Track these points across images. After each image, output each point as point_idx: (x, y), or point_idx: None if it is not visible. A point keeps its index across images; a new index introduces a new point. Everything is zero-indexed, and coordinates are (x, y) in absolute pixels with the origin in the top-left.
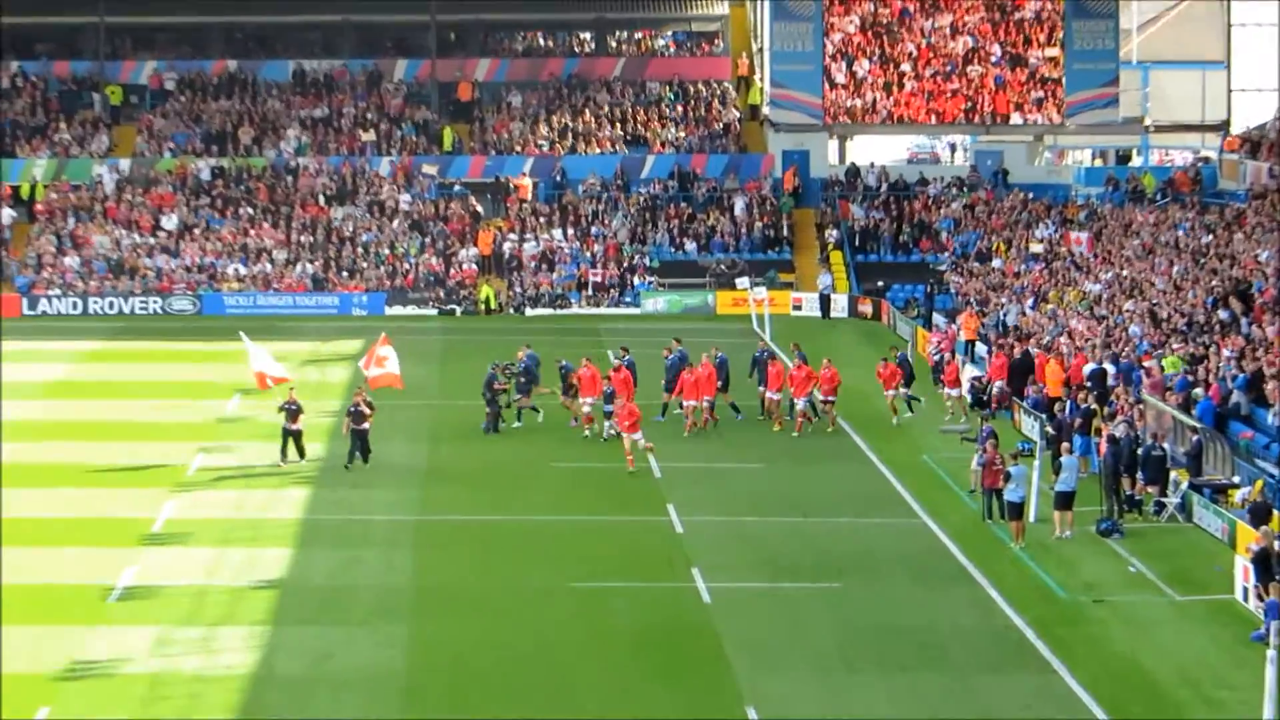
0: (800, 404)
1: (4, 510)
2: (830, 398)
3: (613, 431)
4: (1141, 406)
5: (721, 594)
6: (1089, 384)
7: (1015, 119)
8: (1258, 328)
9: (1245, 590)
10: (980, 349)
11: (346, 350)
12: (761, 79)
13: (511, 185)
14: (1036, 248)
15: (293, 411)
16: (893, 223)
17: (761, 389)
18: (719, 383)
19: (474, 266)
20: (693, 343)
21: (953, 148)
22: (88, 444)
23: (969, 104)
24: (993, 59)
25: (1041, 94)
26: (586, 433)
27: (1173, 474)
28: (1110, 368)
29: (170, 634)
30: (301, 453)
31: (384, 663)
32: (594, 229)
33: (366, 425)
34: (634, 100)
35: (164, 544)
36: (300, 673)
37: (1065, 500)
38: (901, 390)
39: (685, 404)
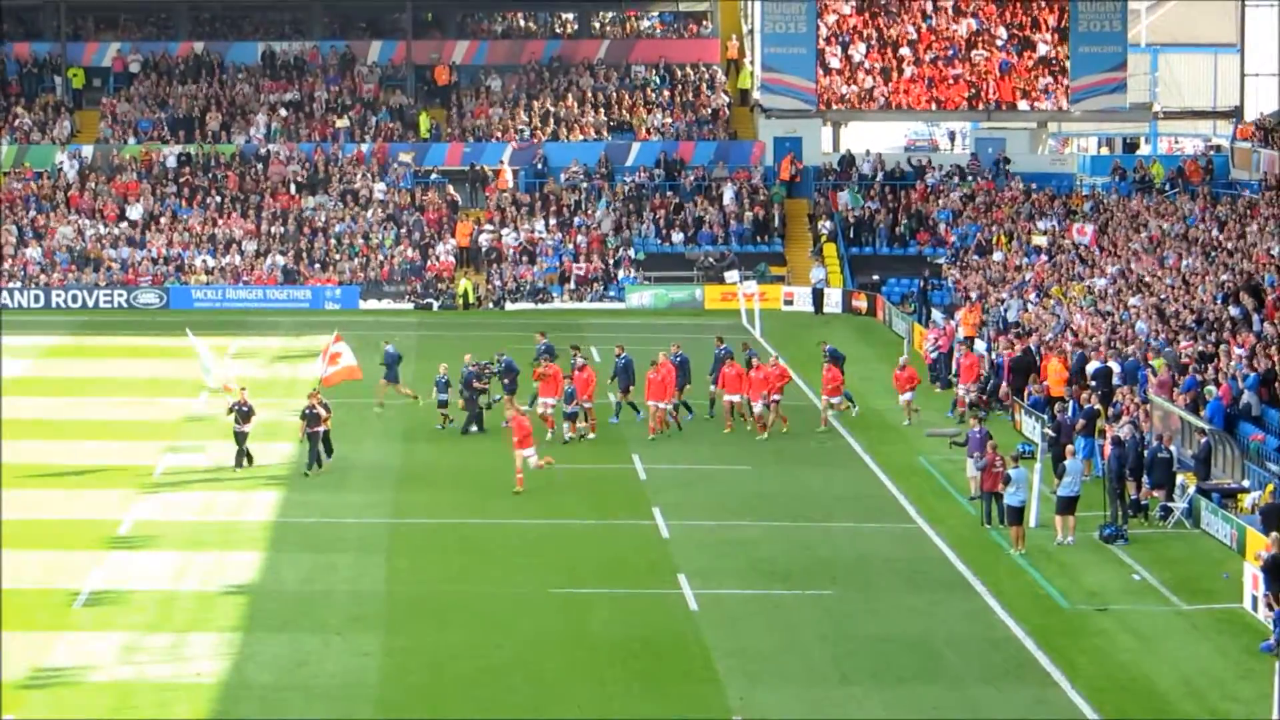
0: (757, 407)
1: None
2: (777, 396)
3: (571, 435)
4: (1148, 407)
5: (709, 601)
6: (1094, 383)
7: (1023, 106)
8: (1270, 325)
9: (1254, 599)
10: (980, 346)
11: (319, 346)
12: (752, 62)
13: (491, 174)
14: (1039, 240)
15: (244, 413)
16: (889, 214)
17: (714, 389)
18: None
19: (452, 259)
20: (680, 338)
21: (952, 136)
22: (51, 443)
23: (972, 90)
24: (998, 43)
25: (1048, 79)
26: (549, 435)
27: (1180, 477)
28: (1116, 366)
29: (138, 640)
30: (250, 458)
31: (358, 671)
32: (577, 219)
33: (322, 428)
34: (618, 84)
35: (131, 547)
36: (272, 681)
37: (1067, 505)
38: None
39: (649, 404)
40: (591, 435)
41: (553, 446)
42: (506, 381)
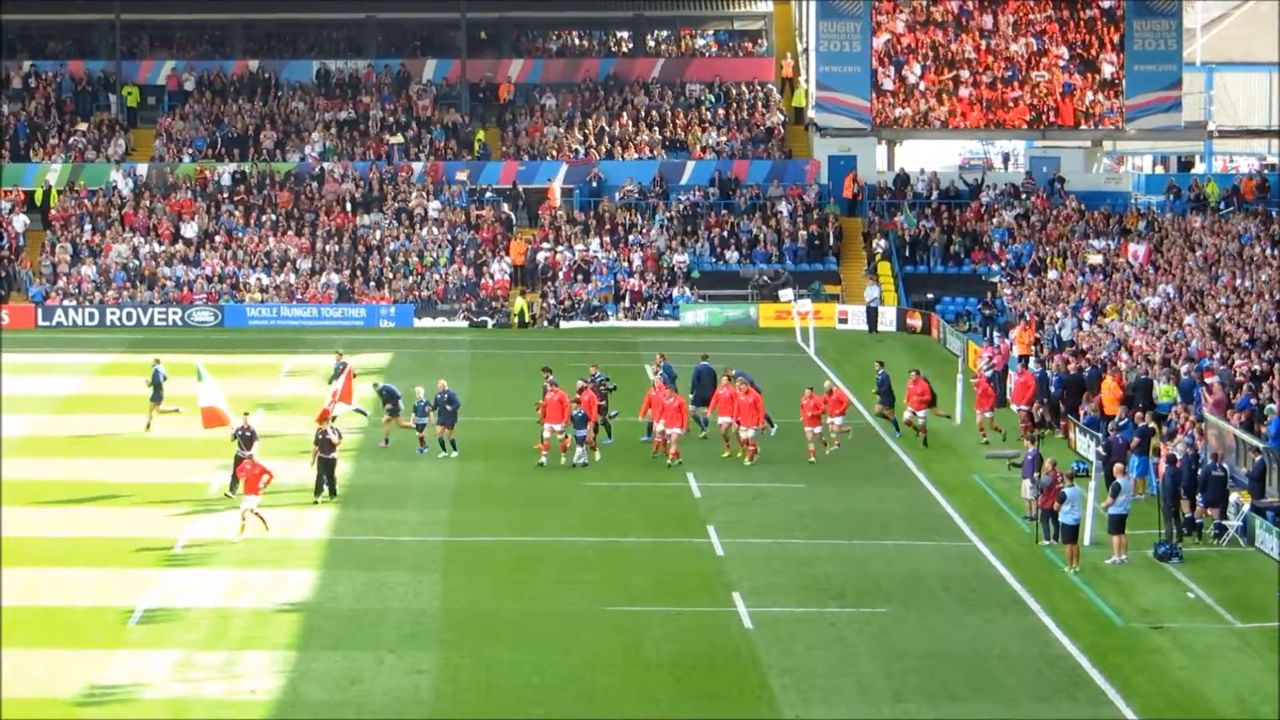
0: (746, 433)
1: (22, 530)
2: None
3: (583, 460)
4: (1202, 425)
5: (764, 619)
6: (1134, 394)
7: (1084, 128)
8: None
9: None
10: (1034, 365)
11: (373, 364)
12: (807, 81)
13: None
14: (1094, 259)
15: (247, 438)
16: (943, 232)
17: (693, 409)
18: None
19: (506, 277)
20: (734, 357)
21: (1006, 157)
22: (105, 460)
23: (1033, 114)
24: (1060, 63)
25: (1106, 99)
26: (543, 460)
27: (1234, 496)
28: (1157, 381)
29: (192, 658)
30: (328, 488)
31: (412, 690)
32: (631, 238)
33: (335, 455)
34: (673, 103)
35: (186, 565)
36: (326, 698)
37: (1118, 524)
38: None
39: (656, 427)
40: (598, 458)
41: (631, 464)
42: (389, 406)
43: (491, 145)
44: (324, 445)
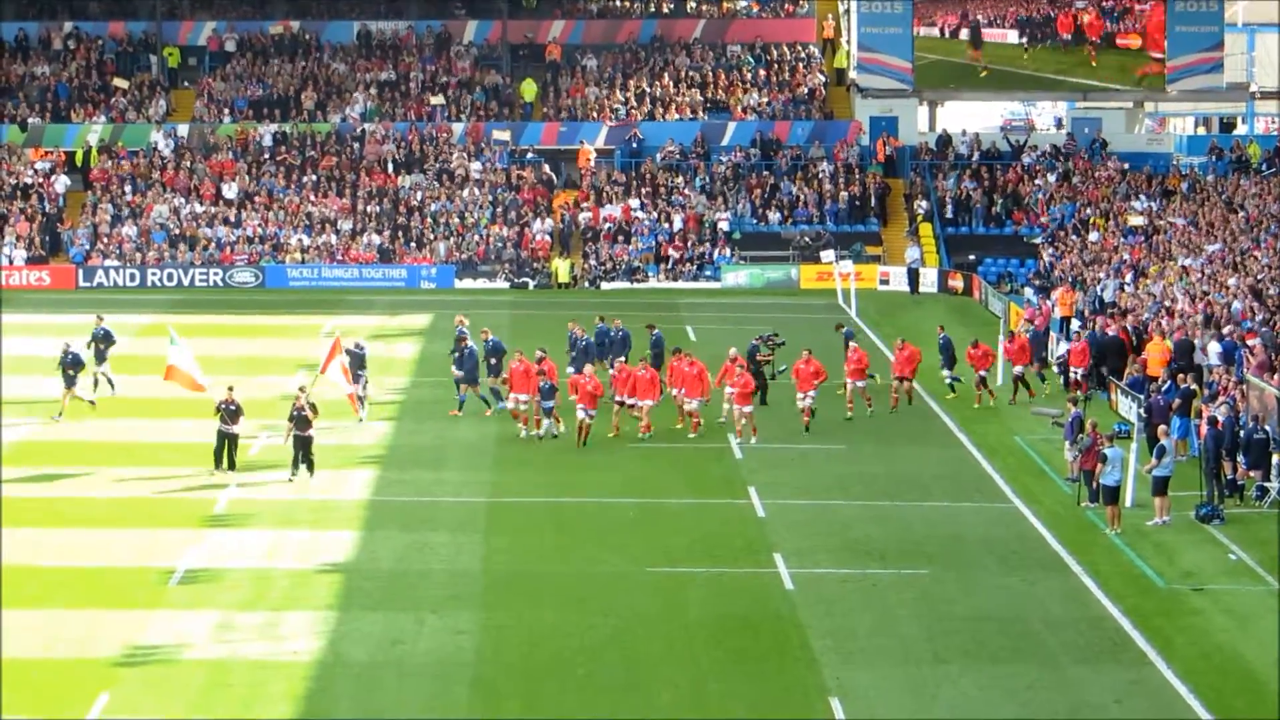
0: (690, 404)
1: (63, 491)
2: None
3: (555, 431)
4: (1244, 387)
5: (805, 580)
6: (1175, 357)
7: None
8: None
9: None
10: (1075, 326)
11: (415, 325)
12: (848, 41)
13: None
14: (1135, 220)
15: (231, 412)
16: (985, 194)
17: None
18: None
19: (547, 238)
20: (775, 319)
21: (1058, 122)
22: (146, 421)
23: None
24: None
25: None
26: (522, 433)
27: (1276, 457)
28: (1199, 342)
29: (232, 619)
30: (233, 462)
31: (453, 650)
32: (673, 199)
33: (310, 432)
34: (714, 64)
35: (227, 525)
36: (367, 659)
37: (1161, 485)
38: (943, 372)
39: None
40: (562, 429)
41: (672, 425)
42: (492, 362)
43: (533, 104)
44: (299, 422)
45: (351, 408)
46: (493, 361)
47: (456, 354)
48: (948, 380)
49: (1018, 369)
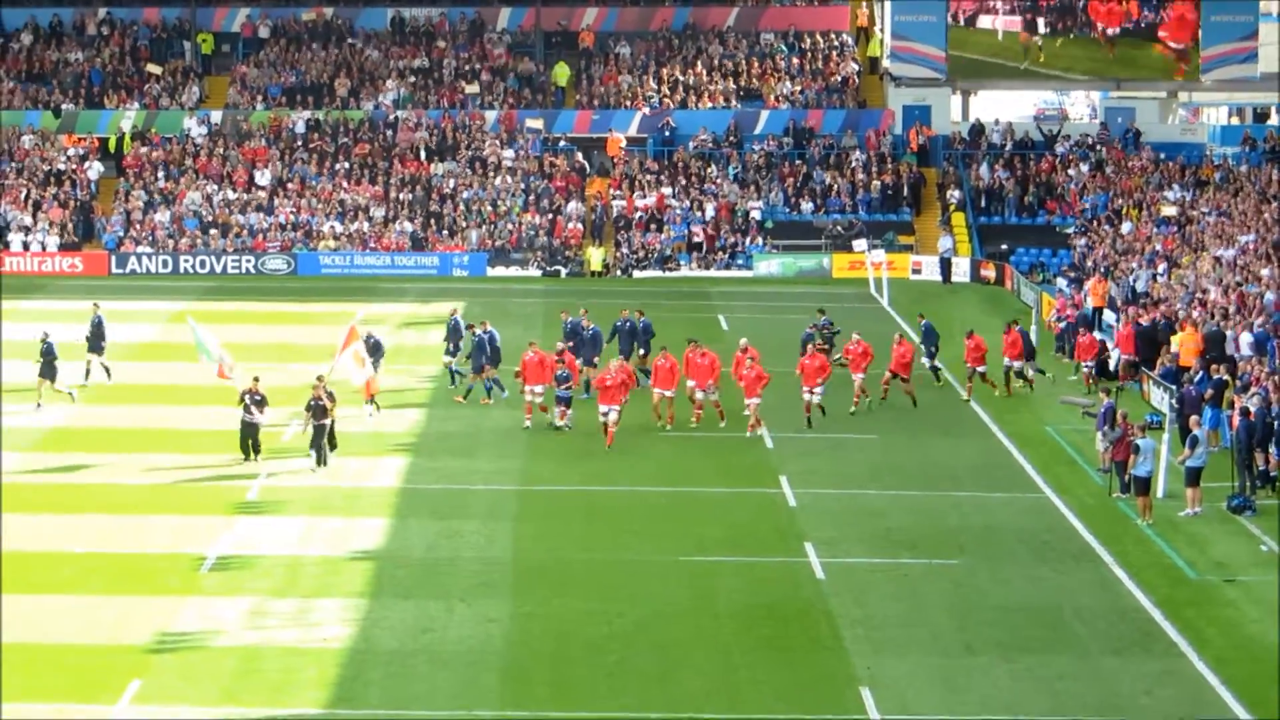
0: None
1: (96, 478)
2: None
3: (563, 423)
4: (1277, 378)
5: (836, 570)
6: (1207, 346)
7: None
8: None
9: None
10: (1109, 316)
11: (447, 314)
12: (881, 30)
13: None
14: (1169, 211)
15: (257, 402)
16: (1018, 183)
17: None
18: (642, 350)
19: (579, 226)
20: (807, 308)
21: (1092, 112)
22: (179, 408)
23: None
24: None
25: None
26: (527, 424)
27: None
28: (1230, 332)
29: (264, 605)
30: (257, 448)
31: (483, 638)
32: (705, 187)
33: (328, 420)
34: (748, 52)
35: (259, 512)
36: (398, 647)
37: (1194, 476)
38: (1021, 364)
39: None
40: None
41: (541, 433)
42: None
43: (566, 91)
44: (316, 411)
45: (364, 395)
46: (489, 352)
47: (452, 343)
48: (928, 368)
49: (1017, 364)
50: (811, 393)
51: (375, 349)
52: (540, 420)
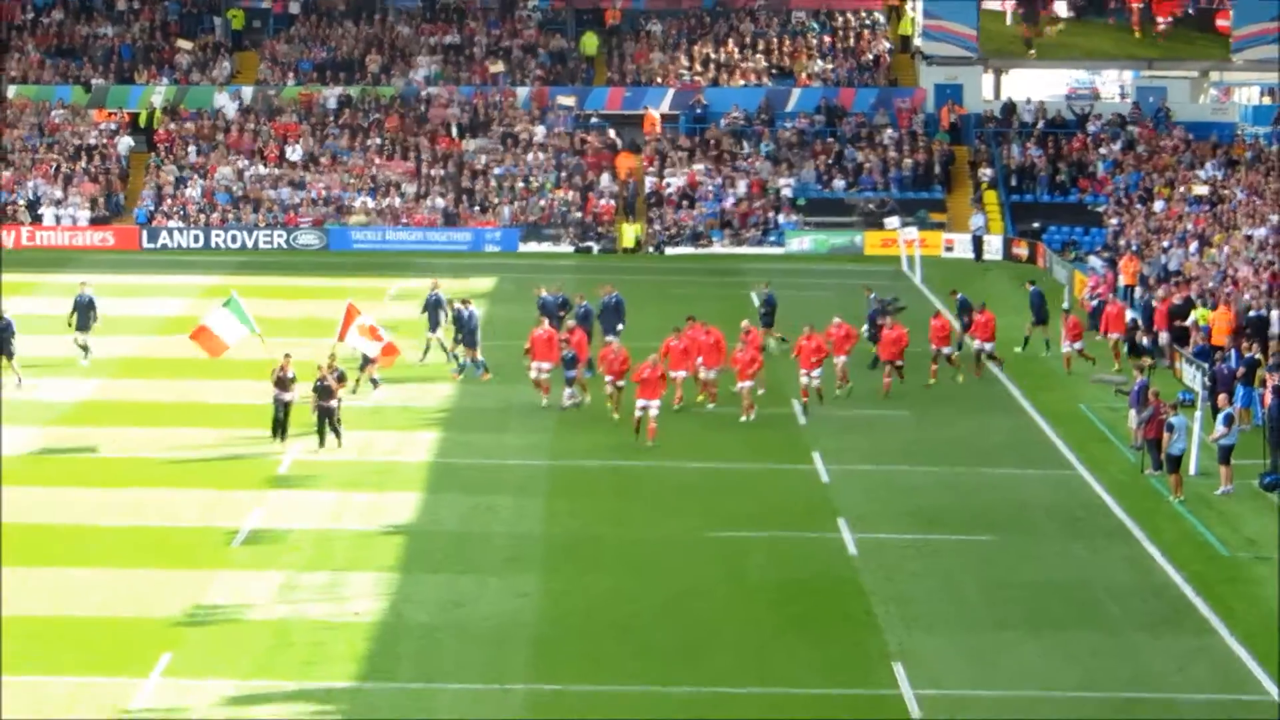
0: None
1: (127, 451)
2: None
3: (575, 401)
4: None
5: (868, 546)
6: (1249, 331)
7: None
8: None
9: None
10: (1139, 294)
11: (479, 289)
12: (913, 8)
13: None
14: (1200, 190)
15: (287, 381)
16: (1050, 162)
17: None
18: (621, 324)
19: (611, 202)
20: (840, 284)
21: (1123, 91)
22: (209, 382)
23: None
24: None
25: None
26: (544, 402)
27: None
28: (1274, 314)
29: (295, 579)
30: (284, 430)
31: (514, 613)
32: (737, 164)
33: (334, 402)
34: (779, 30)
35: (290, 486)
36: (428, 620)
37: (1227, 454)
38: (992, 345)
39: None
40: (587, 400)
41: (550, 413)
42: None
43: (595, 62)
44: (322, 392)
45: (381, 363)
46: (465, 331)
47: (438, 316)
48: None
49: (1077, 344)
50: (809, 376)
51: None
52: (555, 398)
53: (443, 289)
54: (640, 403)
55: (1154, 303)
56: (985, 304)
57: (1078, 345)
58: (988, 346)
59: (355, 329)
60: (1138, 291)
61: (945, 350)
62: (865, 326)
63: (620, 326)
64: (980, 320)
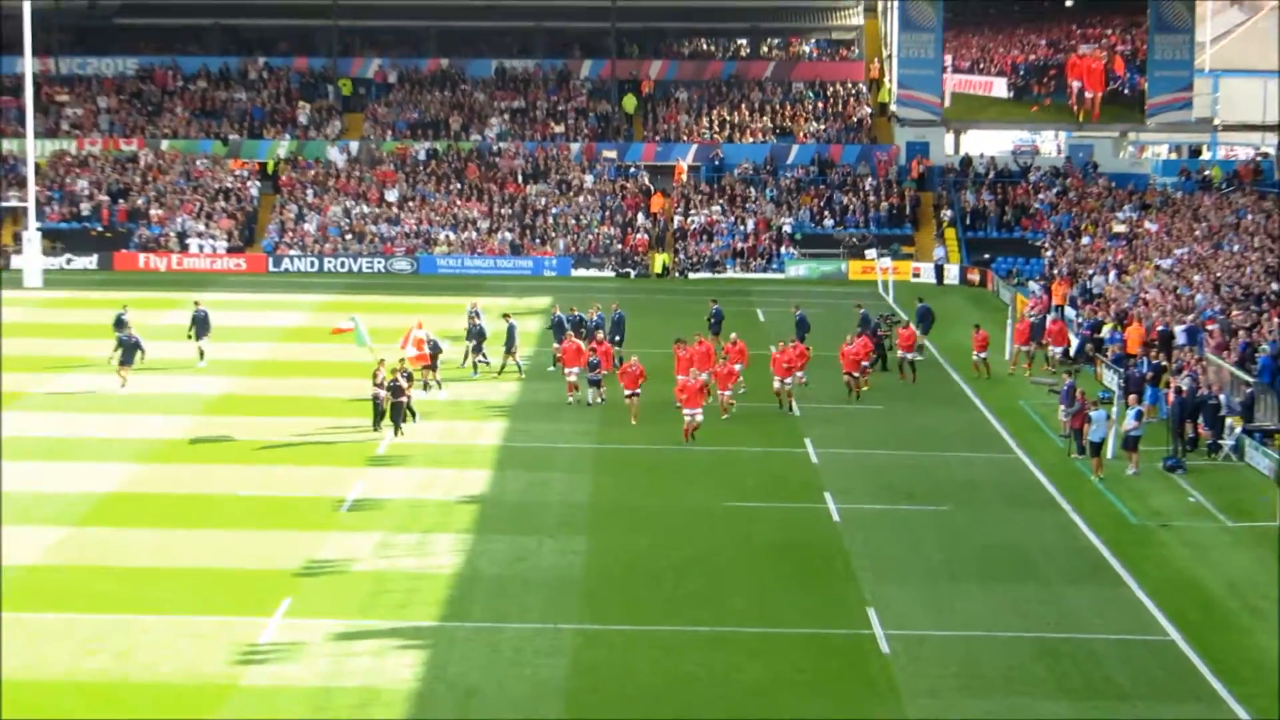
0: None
1: (257, 435)
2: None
3: (598, 400)
4: (1204, 363)
5: (849, 514)
6: (1157, 343)
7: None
8: None
9: None
10: (1069, 313)
11: (539, 305)
12: (890, 81)
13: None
14: (1119, 228)
15: (397, 387)
16: (998, 205)
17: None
18: (620, 336)
19: (645, 236)
20: (828, 303)
21: (1058, 148)
22: (323, 380)
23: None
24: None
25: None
26: (571, 400)
27: (1228, 420)
28: (1178, 329)
29: (391, 539)
30: (385, 419)
31: (566, 567)
32: (747, 206)
33: (404, 399)
34: (782, 98)
35: (387, 464)
36: (497, 572)
37: (1134, 442)
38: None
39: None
40: (602, 400)
41: (595, 408)
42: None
43: (634, 124)
44: (395, 390)
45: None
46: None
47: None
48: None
49: (1025, 346)
50: (783, 382)
51: (478, 335)
52: (580, 396)
53: (479, 306)
54: (687, 412)
55: (1079, 319)
56: (908, 321)
57: (983, 355)
58: (909, 355)
59: (412, 340)
60: (1067, 310)
61: (909, 356)
62: (858, 329)
63: (619, 338)
64: (903, 334)
